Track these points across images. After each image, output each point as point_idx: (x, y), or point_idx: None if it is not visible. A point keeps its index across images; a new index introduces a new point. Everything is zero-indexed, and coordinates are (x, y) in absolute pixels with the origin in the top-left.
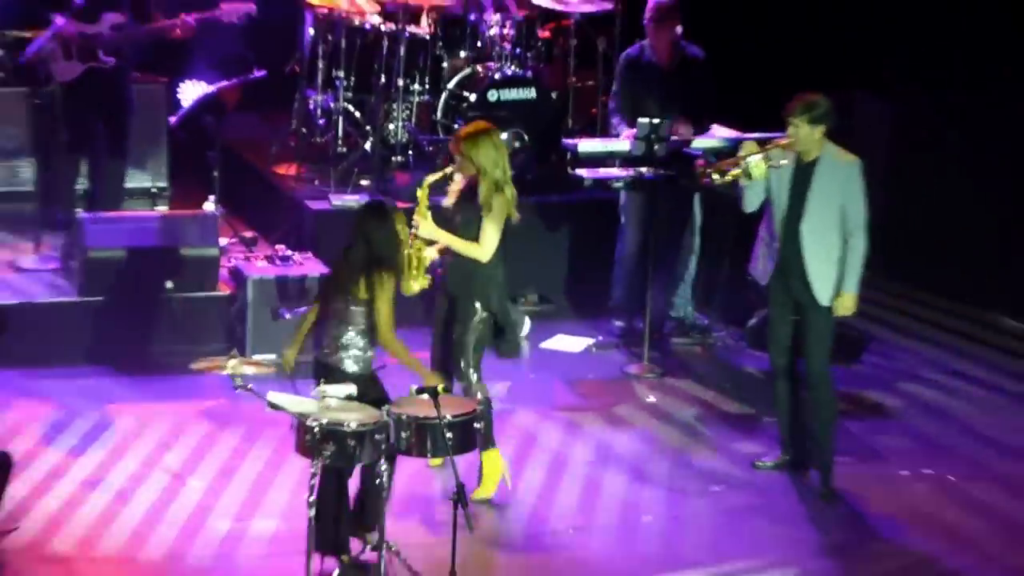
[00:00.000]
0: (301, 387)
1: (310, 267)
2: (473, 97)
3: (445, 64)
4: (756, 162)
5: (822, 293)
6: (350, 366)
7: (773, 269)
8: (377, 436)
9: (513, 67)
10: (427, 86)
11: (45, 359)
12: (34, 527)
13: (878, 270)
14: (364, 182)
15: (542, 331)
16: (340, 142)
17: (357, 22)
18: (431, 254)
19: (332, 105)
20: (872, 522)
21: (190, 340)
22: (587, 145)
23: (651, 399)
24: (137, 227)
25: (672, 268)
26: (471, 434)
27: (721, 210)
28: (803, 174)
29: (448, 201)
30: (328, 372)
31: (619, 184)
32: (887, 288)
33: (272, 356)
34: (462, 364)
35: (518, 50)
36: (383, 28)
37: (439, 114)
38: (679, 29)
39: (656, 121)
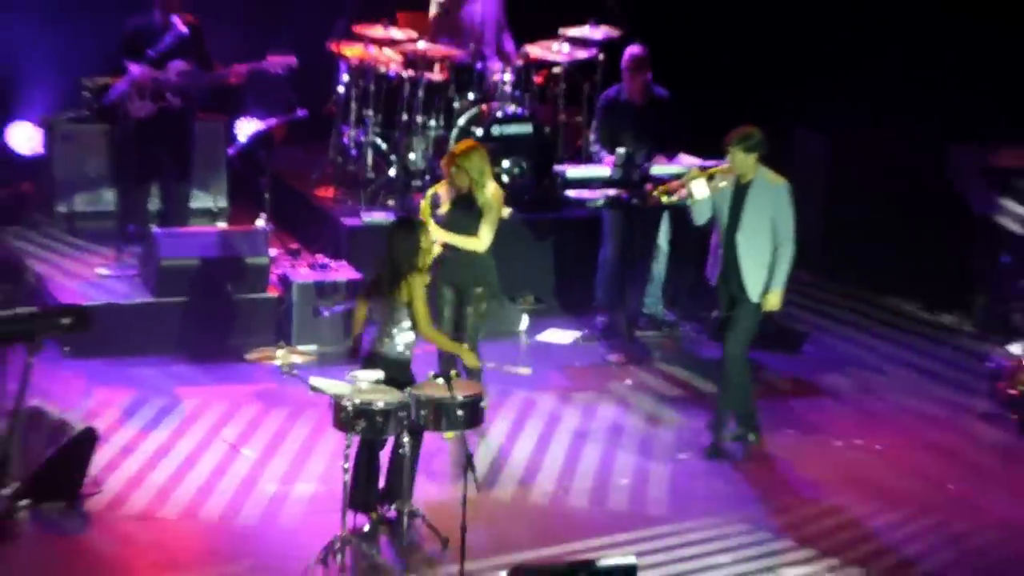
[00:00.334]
0: (338, 372)
1: (344, 273)
2: (480, 131)
3: (456, 104)
4: (698, 185)
5: (753, 291)
6: (396, 355)
7: (718, 271)
8: (401, 413)
9: (512, 107)
10: (441, 123)
11: (124, 351)
12: (113, 490)
13: (819, 273)
14: (389, 202)
15: (536, 326)
16: (369, 169)
17: (383, 70)
18: (435, 250)
19: (362, 139)
20: (810, 485)
21: (245, 334)
22: (574, 171)
23: (628, 382)
24: (201, 240)
25: (645, 273)
26: (478, 411)
27: (687, 223)
28: (740, 193)
29: (443, 209)
30: (378, 361)
31: (600, 203)
32: (826, 287)
33: (313, 347)
34: (468, 344)
35: (517, 92)
36: (405, 75)
37: (451, 146)
38: (649, 75)
39: (631, 151)
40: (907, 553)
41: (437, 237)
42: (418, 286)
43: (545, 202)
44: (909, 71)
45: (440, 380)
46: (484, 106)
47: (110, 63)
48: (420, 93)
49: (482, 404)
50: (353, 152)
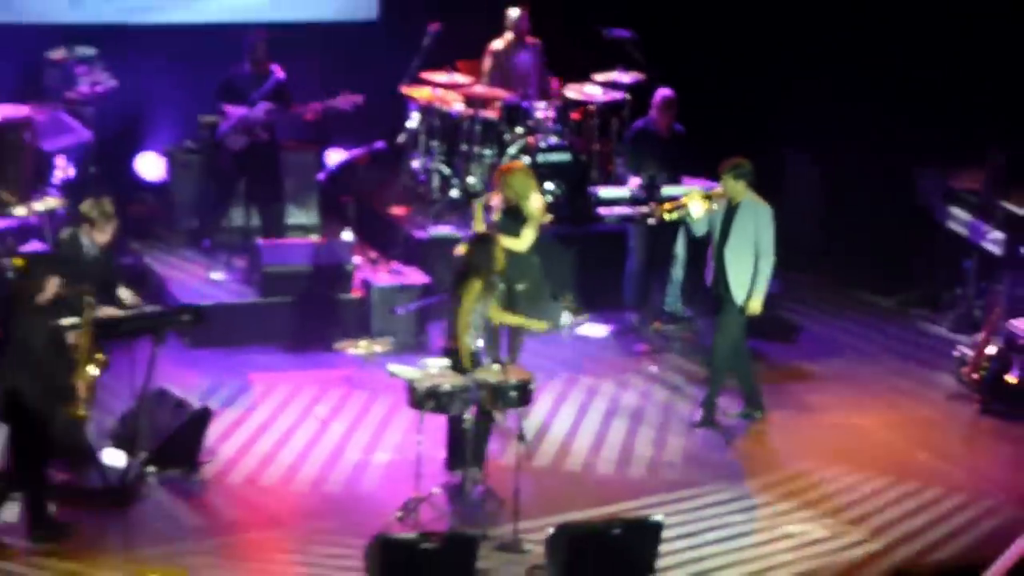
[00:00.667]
0: (411, 360)
1: (415, 278)
2: (527, 159)
3: (507, 136)
4: (695, 205)
5: (737, 295)
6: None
7: (712, 277)
8: (464, 395)
9: (554, 138)
10: (495, 152)
11: (233, 342)
12: (225, 458)
13: (811, 274)
14: (452, 218)
15: (576, 321)
16: (435, 191)
17: (446, 109)
18: None
19: (429, 165)
20: (806, 456)
21: (333, 328)
22: (606, 192)
23: (653, 369)
24: (297, 250)
25: (666, 276)
26: (527, 393)
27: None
28: (730, 213)
29: (495, 216)
30: (448, 350)
31: (615, 219)
32: (817, 287)
33: (390, 339)
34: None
35: (557, 126)
36: (464, 113)
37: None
38: (675, 113)
39: (654, 175)
40: (891, 515)
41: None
42: (474, 290)
43: (581, 218)
44: (883, 104)
45: (496, 367)
46: (530, 138)
47: (210, 104)
48: (477, 127)
49: (530, 387)
50: (422, 177)
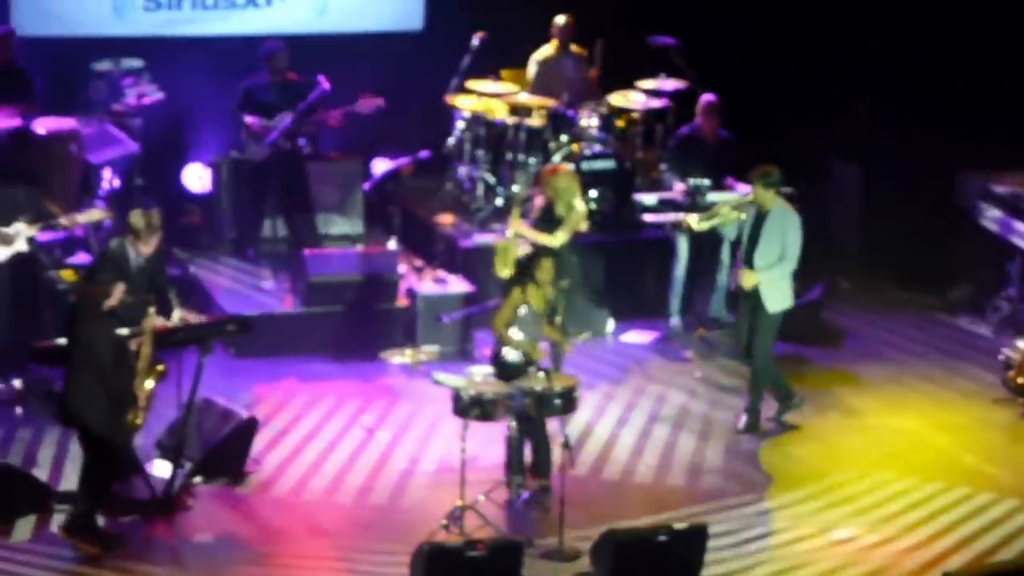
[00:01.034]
0: (456, 368)
1: (460, 286)
2: (572, 167)
3: (552, 145)
4: (725, 214)
5: (767, 302)
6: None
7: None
8: (508, 402)
9: (598, 146)
10: (540, 160)
11: (279, 352)
12: (271, 467)
13: (856, 280)
14: (496, 226)
15: (621, 328)
16: (480, 199)
17: (491, 117)
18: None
19: (475, 174)
20: (853, 461)
21: (379, 337)
22: (650, 198)
23: (698, 374)
24: (342, 260)
25: (710, 283)
26: (572, 400)
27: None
28: (759, 220)
29: (535, 214)
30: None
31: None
32: (863, 293)
33: (436, 347)
34: (558, 327)
35: (601, 134)
36: (509, 121)
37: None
38: (719, 118)
39: (699, 182)
40: (943, 521)
41: (517, 230)
42: (516, 296)
43: (626, 225)
44: (927, 109)
45: (542, 374)
46: (575, 146)
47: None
48: (522, 136)
49: (575, 394)
50: (467, 185)
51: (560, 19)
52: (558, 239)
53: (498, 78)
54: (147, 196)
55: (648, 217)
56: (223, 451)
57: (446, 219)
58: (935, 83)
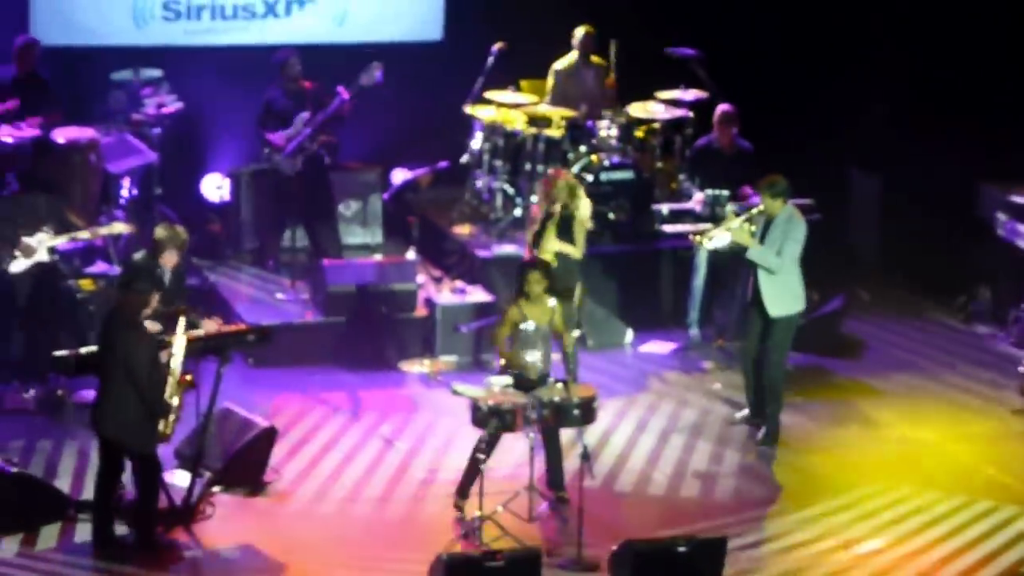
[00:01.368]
0: (475, 379)
1: (479, 296)
2: (590, 177)
3: (571, 155)
4: (735, 229)
5: (771, 307)
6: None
7: (751, 291)
8: (527, 412)
9: (617, 156)
10: (570, 172)
11: (298, 362)
12: (290, 477)
13: (876, 292)
14: (516, 237)
15: (640, 339)
16: (498, 210)
17: (509, 128)
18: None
19: (493, 184)
20: (872, 473)
21: (398, 347)
22: (668, 208)
23: (717, 386)
24: (361, 270)
25: (731, 293)
26: (591, 411)
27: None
28: (767, 227)
29: (535, 225)
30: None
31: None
32: (882, 304)
33: (454, 358)
34: (567, 331)
35: (620, 145)
36: (527, 132)
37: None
38: (736, 128)
39: (717, 192)
40: (969, 535)
41: (551, 247)
42: (513, 313)
43: (644, 235)
44: (946, 120)
45: (560, 384)
46: (594, 156)
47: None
48: (540, 146)
49: (594, 404)
50: (485, 196)
51: (580, 30)
52: (581, 246)
53: (517, 88)
54: (165, 206)
55: (667, 228)
56: (242, 461)
57: (464, 229)
58: (955, 93)
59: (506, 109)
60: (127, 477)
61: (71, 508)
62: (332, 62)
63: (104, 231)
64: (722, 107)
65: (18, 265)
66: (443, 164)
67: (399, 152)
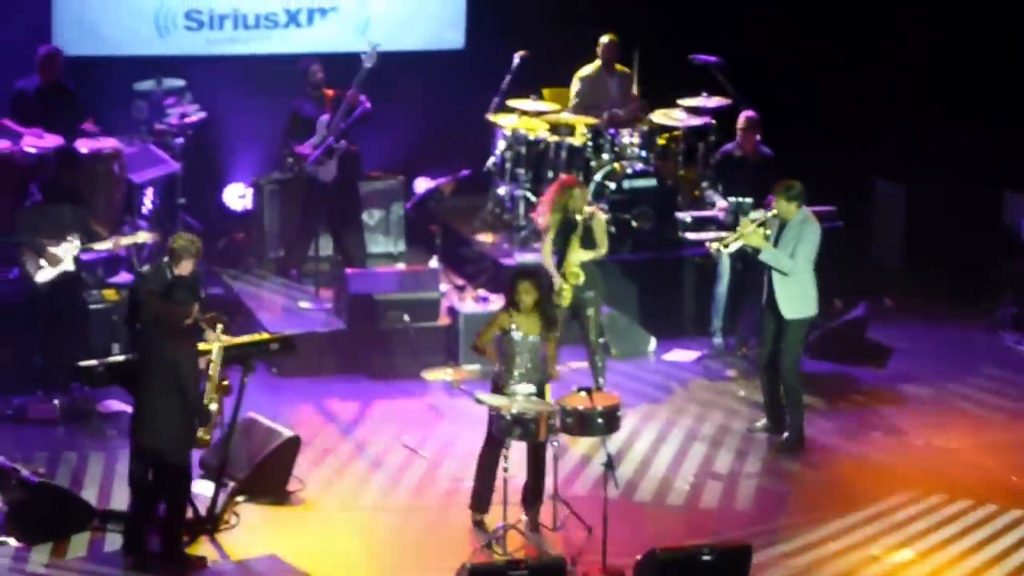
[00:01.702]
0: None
1: (502, 304)
2: (613, 185)
3: (593, 163)
4: (749, 234)
5: (784, 309)
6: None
7: (766, 294)
8: (550, 421)
9: (640, 164)
10: (581, 179)
11: (322, 371)
12: (315, 486)
13: (901, 300)
14: (538, 245)
15: (663, 347)
16: (521, 218)
17: (532, 136)
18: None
19: (515, 192)
20: (897, 481)
21: (421, 356)
22: (691, 216)
23: (741, 394)
24: (384, 279)
25: (755, 302)
26: (615, 419)
27: None
28: (781, 230)
29: (552, 234)
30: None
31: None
32: (907, 312)
33: (477, 367)
34: (592, 336)
35: (643, 152)
36: (550, 140)
37: (590, 198)
38: (759, 135)
39: (741, 199)
40: (1002, 544)
41: (578, 258)
42: (502, 319)
43: (667, 243)
44: (971, 129)
45: (583, 392)
46: (617, 164)
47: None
48: (563, 154)
49: (618, 413)
50: (508, 204)
51: (604, 38)
52: (603, 248)
53: (539, 96)
54: (188, 215)
55: (690, 235)
56: (266, 470)
57: (487, 237)
58: (980, 100)
59: (528, 117)
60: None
61: (96, 518)
62: (354, 71)
63: (128, 241)
64: (746, 113)
65: (44, 275)
66: (465, 172)
67: (421, 161)
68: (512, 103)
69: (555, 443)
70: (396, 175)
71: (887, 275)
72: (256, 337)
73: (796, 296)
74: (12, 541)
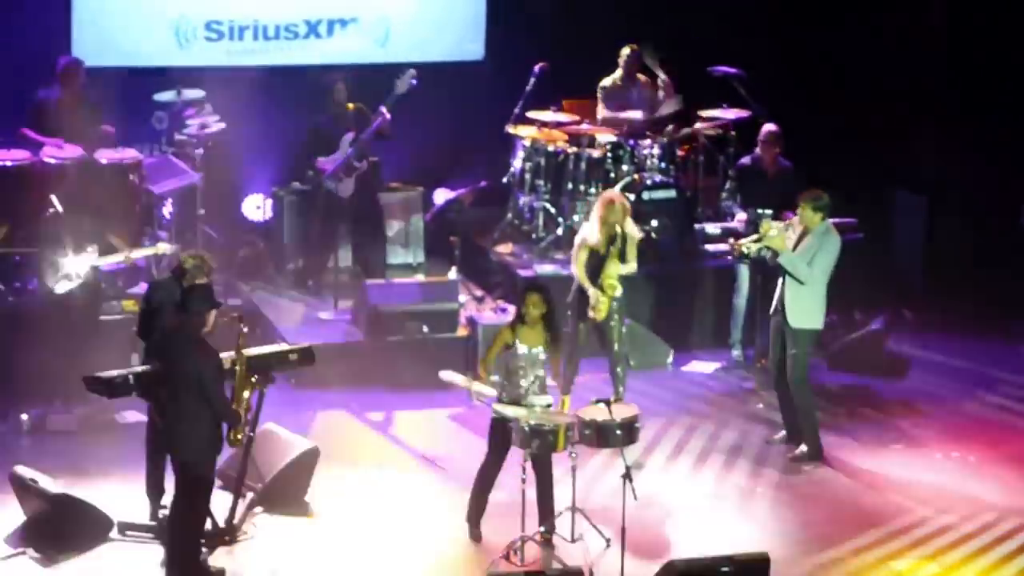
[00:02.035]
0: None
1: None
2: (633, 196)
3: (612, 174)
4: (772, 236)
5: (792, 317)
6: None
7: (776, 300)
8: (568, 433)
9: (659, 175)
10: (600, 190)
11: (341, 382)
12: (330, 499)
13: (920, 311)
14: (557, 256)
15: (681, 358)
16: (540, 229)
17: (551, 147)
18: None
19: (535, 204)
20: (915, 492)
21: (441, 367)
22: (712, 227)
23: (760, 406)
24: (404, 290)
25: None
26: (634, 431)
27: None
28: (801, 238)
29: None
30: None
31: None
32: (927, 324)
33: (496, 378)
34: (616, 346)
35: (663, 164)
36: (569, 151)
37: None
38: (780, 148)
39: (761, 211)
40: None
41: (615, 271)
42: (504, 334)
43: (687, 254)
44: (991, 138)
45: (601, 404)
46: (636, 175)
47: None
48: (582, 166)
49: (637, 424)
50: (527, 215)
51: (626, 49)
52: (633, 263)
53: (559, 108)
54: (208, 226)
55: (709, 247)
56: (285, 481)
57: (506, 249)
58: (1002, 112)
59: (548, 128)
60: (167, 499)
61: (115, 529)
62: (374, 82)
63: (147, 252)
64: (768, 126)
65: (63, 286)
66: (484, 184)
67: (441, 172)
68: (532, 115)
69: (573, 455)
70: (415, 186)
71: (907, 287)
72: (275, 348)
73: (805, 306)
74: (31, 552)
